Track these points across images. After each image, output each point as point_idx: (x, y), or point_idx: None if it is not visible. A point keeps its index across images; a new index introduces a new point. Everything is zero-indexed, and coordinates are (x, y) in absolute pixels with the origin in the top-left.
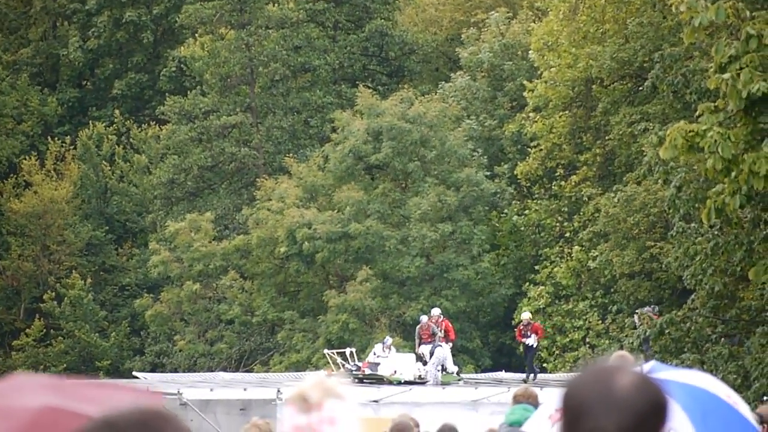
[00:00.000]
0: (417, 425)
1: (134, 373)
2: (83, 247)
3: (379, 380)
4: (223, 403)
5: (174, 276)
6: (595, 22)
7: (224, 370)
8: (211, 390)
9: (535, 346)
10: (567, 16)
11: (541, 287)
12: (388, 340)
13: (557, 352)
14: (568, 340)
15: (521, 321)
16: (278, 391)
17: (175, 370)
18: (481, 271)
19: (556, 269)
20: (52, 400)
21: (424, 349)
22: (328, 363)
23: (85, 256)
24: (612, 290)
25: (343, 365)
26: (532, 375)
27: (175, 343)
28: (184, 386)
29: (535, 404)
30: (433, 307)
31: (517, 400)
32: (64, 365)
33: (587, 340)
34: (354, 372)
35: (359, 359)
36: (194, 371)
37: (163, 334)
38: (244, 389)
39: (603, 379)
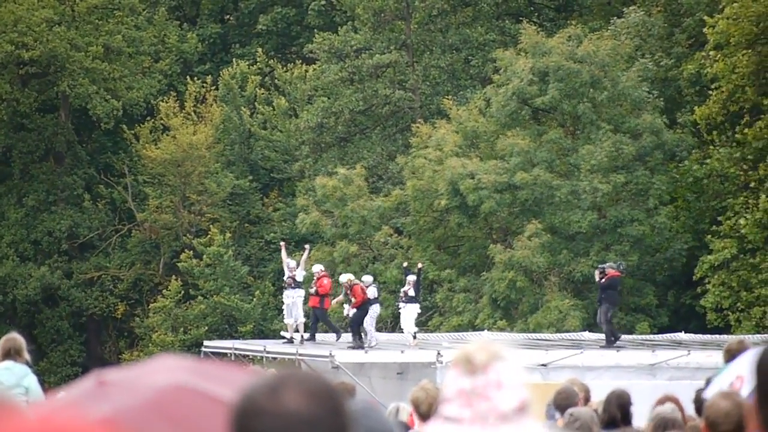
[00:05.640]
0: (586, 391)
1: (282, 333)
2: (226, 197)
3: None
4: (379, 366)
5: (327, 236)
6: None
7: (379, 331)
8: (366, 352)
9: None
10: None
11: (726, 240)
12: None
13: (742, 308)
14: (754, 296)
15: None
16: (438, 353)
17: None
18: (657, 226)
19: (741, 221)
20: (181, 380)
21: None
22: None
23: (228, 207)
24: None
25: None
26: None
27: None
28: (336, 348)
29: None
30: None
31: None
32: (206, 327)
33: None
34: None
35: None
36: (347, 332)
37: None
38: (402, 351)
39: None
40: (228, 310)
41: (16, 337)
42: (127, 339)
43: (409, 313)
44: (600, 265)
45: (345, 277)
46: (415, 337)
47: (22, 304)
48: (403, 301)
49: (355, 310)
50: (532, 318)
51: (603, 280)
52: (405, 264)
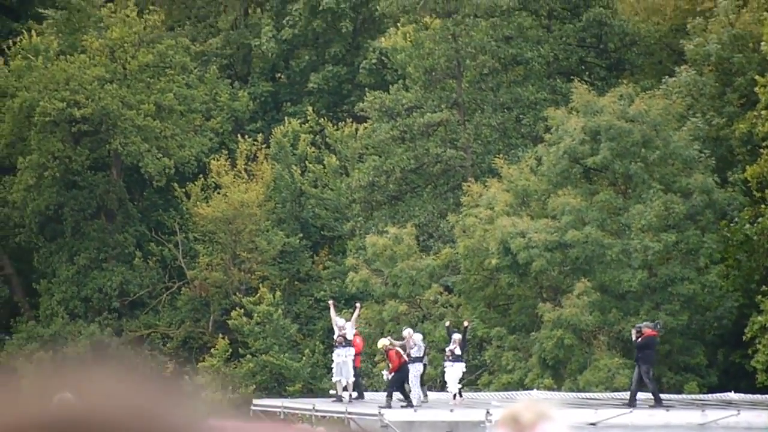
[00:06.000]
0: None
1: (331, 391)
2: (276, 255)
3: None
4: (428, 425)
5: (377, 294)
6: None
7: (429, 389)
8: (415, 411)
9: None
10: None
11: None
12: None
13: None
14: None
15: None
16: (487, 412)
17: (376, 391)
18: (708, 285)
19: None
20: None
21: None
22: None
23: (278, 265)
24: None
25: None
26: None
27: (375, 364)
28: (385, 407)
29: None
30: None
31: None
32: (254, 386)
33: None
34: None
35: None
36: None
37: (363, 353)
38: (451, 410)
39: None
40: (277, 369)
41: (69, 398)
42: None
43: (455, 371)
44: (637, 325)
45: (381, 343)
46: (461, 396)
47: (72, 362)
48: (450, 360)
49: (393, 374)
50: (581, 377)
51: (639, 339)
52: (447, 323)
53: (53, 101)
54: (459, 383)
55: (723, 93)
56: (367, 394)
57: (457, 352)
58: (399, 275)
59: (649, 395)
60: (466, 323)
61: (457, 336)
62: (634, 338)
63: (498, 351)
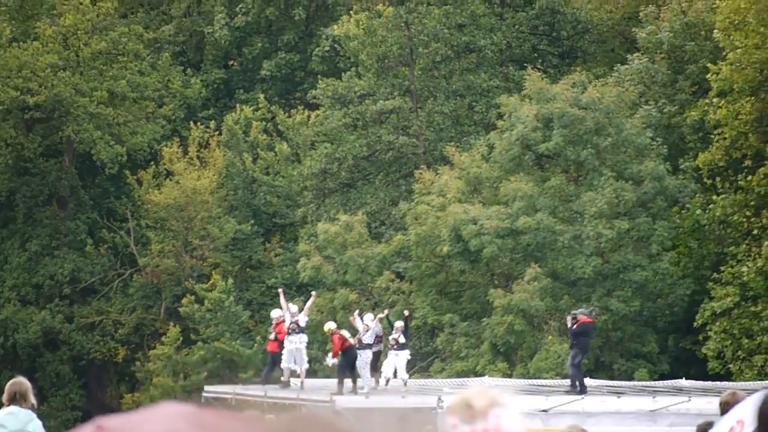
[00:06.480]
0: None
1: (282, 378)
2: (228, 242)
3: None
4: (380, 411)
5: (328, 282)
6: None
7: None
8: (367, 397)
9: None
10: None
11: (728, 287)
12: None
13: (743, 356)
14: (756, 344)
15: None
16: (439, 398)
17: (328, 377)
18: (660, 272)
19: (743, 269)
20: (177, 428)
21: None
22: None
23: (230, 252)
24: None
25: None
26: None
27: (326, 351)
28: (337, 394)
29: None
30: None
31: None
32: (206, 373)
33: None
34: None
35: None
36: None
37: (315, 341)
38: (402, 397)
39: None
40: (228, 356)
41: (22, 382)
42: (128, 383)
43: (400, 360)
44: (572, 312)
45: (327, 326)
46: (387, 384)
47: (23, 348)
48: (395, 349)
49: (339, 359)
50: (532, 363)
51: (575, 326)
52: (387, 312)
53: (6, 89)
54: (406, 371)
55: (675, 81)
56: (318, 381)
57: (402, 340)
58: (348, 263)
59: (603, 382)
60: (406, 312)
61: (399, 324)
62: (569, 325)
63: (450, 338)
